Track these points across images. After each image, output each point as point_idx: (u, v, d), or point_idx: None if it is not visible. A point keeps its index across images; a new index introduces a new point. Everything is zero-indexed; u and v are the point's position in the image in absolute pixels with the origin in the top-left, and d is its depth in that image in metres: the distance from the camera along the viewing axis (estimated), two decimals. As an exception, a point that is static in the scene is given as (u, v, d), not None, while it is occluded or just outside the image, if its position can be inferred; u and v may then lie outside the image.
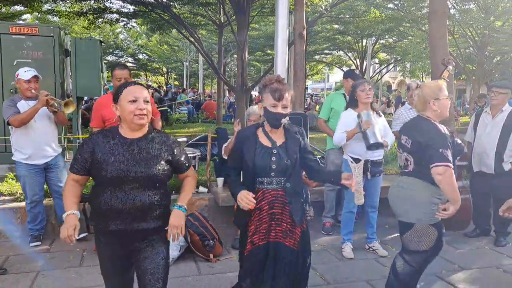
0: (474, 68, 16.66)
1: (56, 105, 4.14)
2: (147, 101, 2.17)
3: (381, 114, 4.30)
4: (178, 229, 2.15)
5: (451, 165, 2.65)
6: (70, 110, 4.20)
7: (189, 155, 4.11)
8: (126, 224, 2.13)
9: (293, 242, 2.51)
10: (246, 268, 2.54)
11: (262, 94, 2.48)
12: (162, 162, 2.18)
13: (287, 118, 2.44)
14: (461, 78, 25.04)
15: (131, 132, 2.19)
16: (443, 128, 2.78)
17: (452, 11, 14.91)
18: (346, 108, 4.23)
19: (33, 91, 4.07)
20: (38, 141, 4.15)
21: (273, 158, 2.46)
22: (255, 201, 2.34)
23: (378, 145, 3.92)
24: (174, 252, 3.93)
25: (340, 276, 3.75)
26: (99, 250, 2.31)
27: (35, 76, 4.11)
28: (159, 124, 4.38)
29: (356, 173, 4.01)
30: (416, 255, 2.91)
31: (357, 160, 4.03)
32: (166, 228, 2.20)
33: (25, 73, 4.07)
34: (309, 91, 36.62)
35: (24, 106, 4.05)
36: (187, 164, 2.35)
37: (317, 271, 3.80)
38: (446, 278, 3.74)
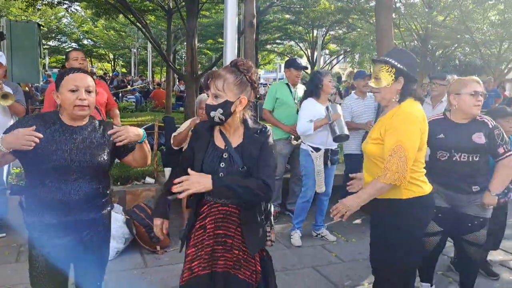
0: (418, 60, 17.37)
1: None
2: (90, 91, 2.04)
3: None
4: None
5: None
6: (8, 102, 3.94)
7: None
8: (67, 216, 2.03)
9: (249, 274, 1.99)
10: None
11: None
12: (106, 151, 2.11)
13: (220, 110, 1.92)
14: (406, 70, 26.03)
15: (73, 121, 2.08)
16: (430, 119, 2.91)
17: (397, 5, 15.43)
18: (306, 97, 4.22)
19: None
20: None
21: (222, 164, 1.96)
22: (164, 234, 2.09)
23: (345, 137, 3.97)
24: (119, 244, 3.81)
25: (288, 263, 3.79)
26: (33, 247, 2.10)
27: None
28: (116, 113, 4.30)
29: (317, 162, 4.06)
30: None
31: (317, 150, 4.08)
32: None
33: None
34: (261, 80, 36.76)
35: None
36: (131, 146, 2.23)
37: (265, 260, 3.83)
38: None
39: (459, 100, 2.81)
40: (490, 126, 2.83)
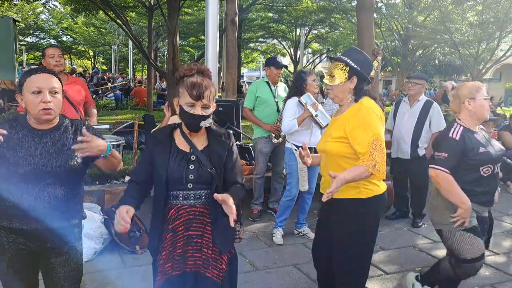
0: (399, 60, 17.61)
1: None
2: (55, 92, 1.90)
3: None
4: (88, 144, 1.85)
5: (442, 168, 2.64)
6: None
7: (113, 143, 3.94)
8: (37, 222, 1.91)
9: (217, 273, 2.02)
10: None
11: (179, 88, 1.99)
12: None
13: (209, 120, 2.00)
14: (387, 70, 26.41)
15: (40, 124, 1.96)
16: (457, 132, 2.69)
17: (379, 5, 15.59)
18: (289, 96, 4.23)
19: None
20: None
21: (191, 166, 2.00)
22: (129, 222, 1.82)
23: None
24: (96, 245, 3.74)
25: (269, 261, 3.78)
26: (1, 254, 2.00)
27: None
28: (93, 112, 4.24)
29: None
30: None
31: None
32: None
33: None
34: (244, 79, 36.77)
35: None
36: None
37: (246, 258, 3.81)
38: (368, 259, 3.90)
39: (475, 105, 2.70)
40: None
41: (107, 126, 4.21)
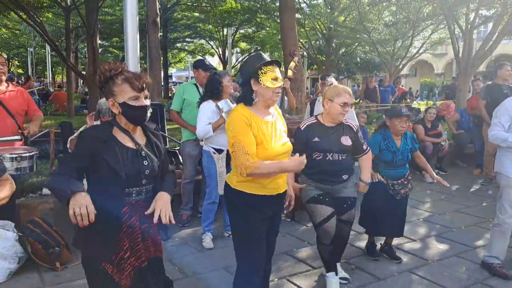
0: (323, 59, 18.25)
1: None
2: None
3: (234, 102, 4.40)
4: None
5: None
6: None
7: (23, 155, 3.66)
8: None
9: (162, 250, 2.28)
10: None
11: (112, 88, 1.96)
12: None
13: (150, 109, 2.04)
14: (313, 68, 27.27)
15: None
16: (305, 124, 3.28)
17: (302, 5, 16.05)
18: (204, 99, 4.17)
19: None
20: None
21: (145, 162, 2.03)
22: (93, 216, 1.82)
23: None
24: (11, 265, 3.47)
25: (199, 267, 3.74)
26: None
27: None
28: (36, 116, 4.13)
29: (219, 164, 4.02)
30: None
31: (219, 151, 4.04)
32: None
33: None
34: (173, 79, 36.13)
35: None
36: None
37: (175, 265, 3.73)
38: (296, 255, 4.00)
39: (331, 106, 3.14)
40: (355, 130, 3.27)
41: (18, 137, 3.84)
